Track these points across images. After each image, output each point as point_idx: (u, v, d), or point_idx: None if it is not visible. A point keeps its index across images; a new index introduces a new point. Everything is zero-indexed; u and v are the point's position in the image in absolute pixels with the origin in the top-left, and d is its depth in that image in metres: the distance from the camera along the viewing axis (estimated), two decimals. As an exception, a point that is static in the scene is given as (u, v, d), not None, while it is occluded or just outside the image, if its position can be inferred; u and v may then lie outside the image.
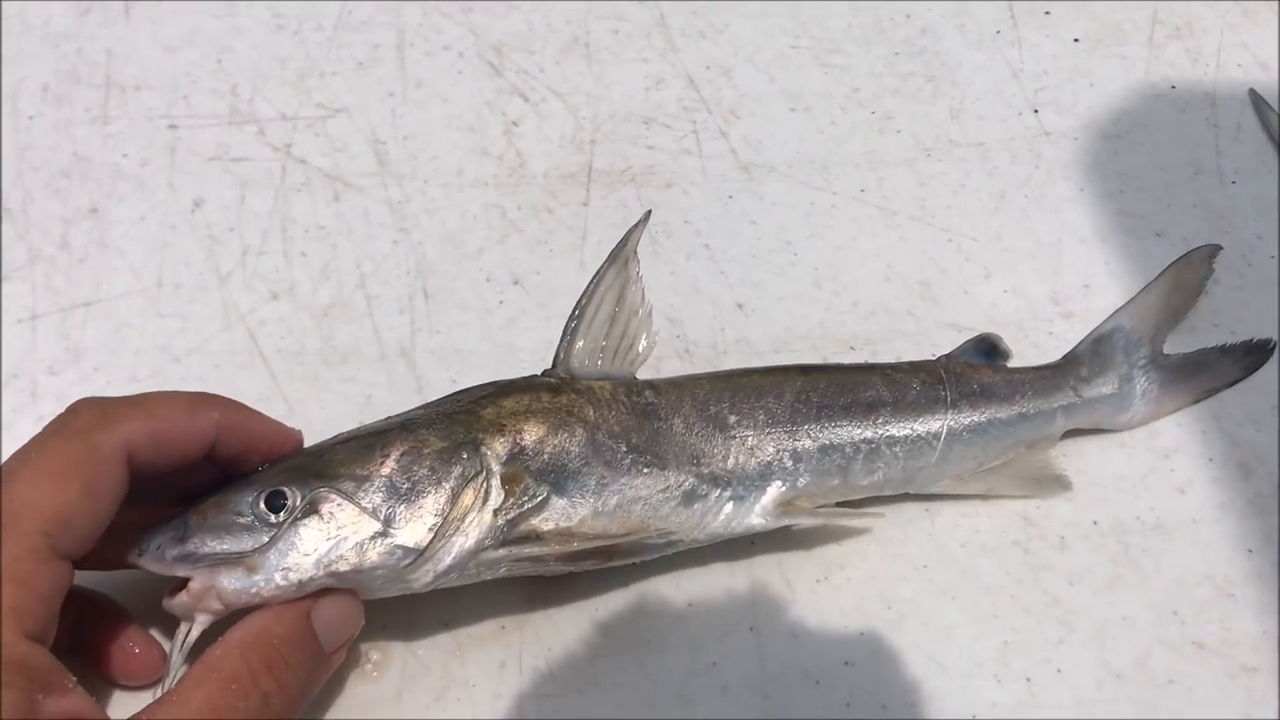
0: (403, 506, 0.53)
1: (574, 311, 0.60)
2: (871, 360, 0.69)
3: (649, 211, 0.63)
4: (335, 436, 0.57)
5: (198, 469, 0.54)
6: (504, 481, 0.54)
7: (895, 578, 0.62)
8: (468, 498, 0.53)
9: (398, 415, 0.58)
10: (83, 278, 0.72)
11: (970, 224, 0.76)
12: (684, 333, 0.71)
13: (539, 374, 0.60)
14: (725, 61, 0.83)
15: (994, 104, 0.82)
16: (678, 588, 0.61)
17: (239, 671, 0.49)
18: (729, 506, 0.59)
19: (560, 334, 0.60)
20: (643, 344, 0.61)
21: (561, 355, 0.60)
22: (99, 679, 0.56)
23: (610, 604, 0.61)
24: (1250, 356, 0.69)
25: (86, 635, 0.55)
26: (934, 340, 0.70)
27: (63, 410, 0.52)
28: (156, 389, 0.57)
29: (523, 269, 0.73)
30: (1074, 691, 0.59)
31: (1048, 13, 0.87)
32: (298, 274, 0.72)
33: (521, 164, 0.78)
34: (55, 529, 0.47)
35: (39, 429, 0.55)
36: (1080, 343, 0.67)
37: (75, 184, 0.76)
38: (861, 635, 0.60)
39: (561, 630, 0.60)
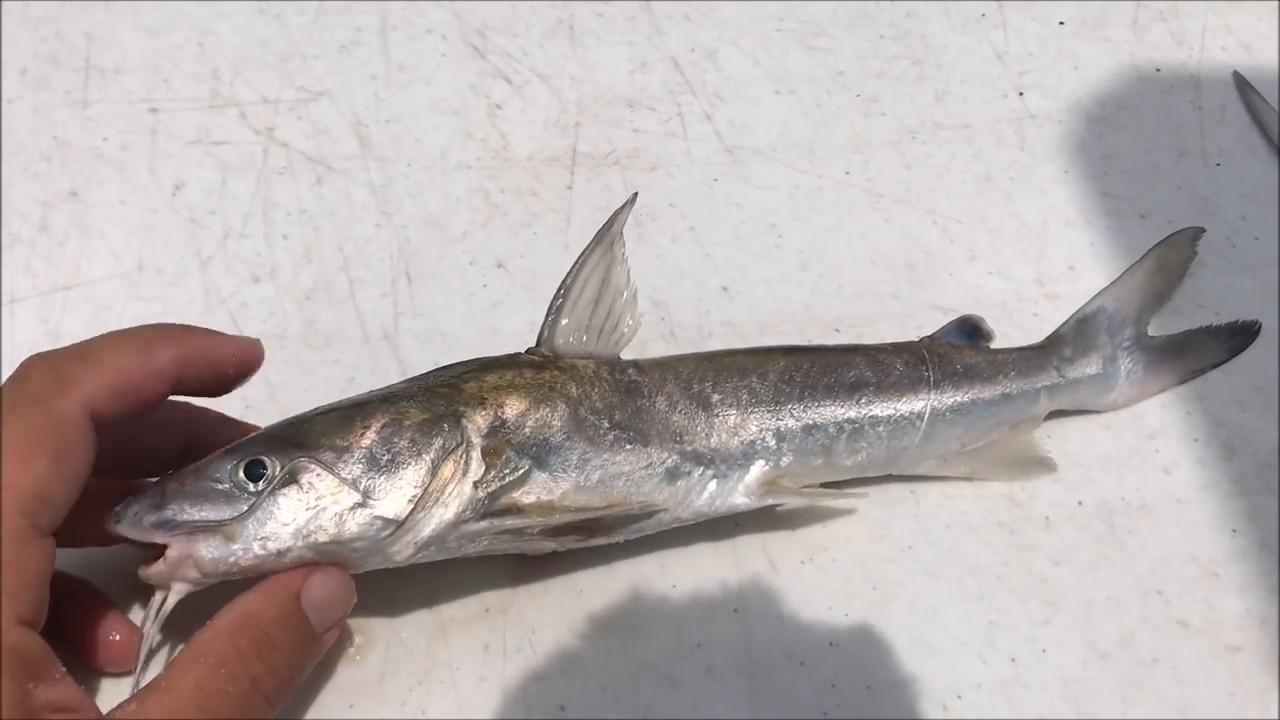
0: (382, 478, 0.52)
1: (559, 291, 0.59)
2: (856, 342, 0.69)
3: (635, 194, 0.62)
4: (316, 408, 0.57)
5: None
6: (485, 454, 0.54)
7: (880, 559, 0.62)
8: (448, 469, 0.53)
9: (379, 389, 0.57)
10: (63, 261, 0.71)
11: (955, 206, 0.76)
12: (669, 315, 0.70)
13: (523, 352, 0.60)
14: (710, 44, 0.83)
15: (979, 87, 0.82)
16: (662, 569, 0.61)
17: (228, 655, 0.48)
18: (712, 485, 0.58)
19: (544, 315, 0.60)
20: (627, 324, 0.61)
21: (545, 334, 0.60)
22: (75, 664, 0.56)
23: (595, 586, 0.60)
24: (1235, 338, 0.69)
25: (64, 620, 0.55)
26: (919, 322, 0.70)
27: (11, 374, 0.49)
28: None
29: (506, 252, 0.73)
30: (1059, 671, 0.59)
31: (1033, -5, 0.87)
32: (280, 257, 0.72)
33: (505, 147, 0.77)
34: (32, 506, 0.46)
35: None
36: (1064, 323, 0.67)
37: (55, 167, 0.75)
38: (846, 616, 0.60)
39: (546, 612, 0.60)
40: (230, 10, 0.83)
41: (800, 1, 0.85)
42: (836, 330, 0.70)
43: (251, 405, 0.65)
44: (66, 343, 0.66)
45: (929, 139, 0.79)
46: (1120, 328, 0.67)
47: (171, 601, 0.51)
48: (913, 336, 0.68)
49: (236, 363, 0.55)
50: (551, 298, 0.60)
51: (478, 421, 0.55)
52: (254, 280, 0.71)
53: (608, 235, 0.60)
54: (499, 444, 0.55)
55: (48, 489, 0.47)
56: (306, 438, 0.53)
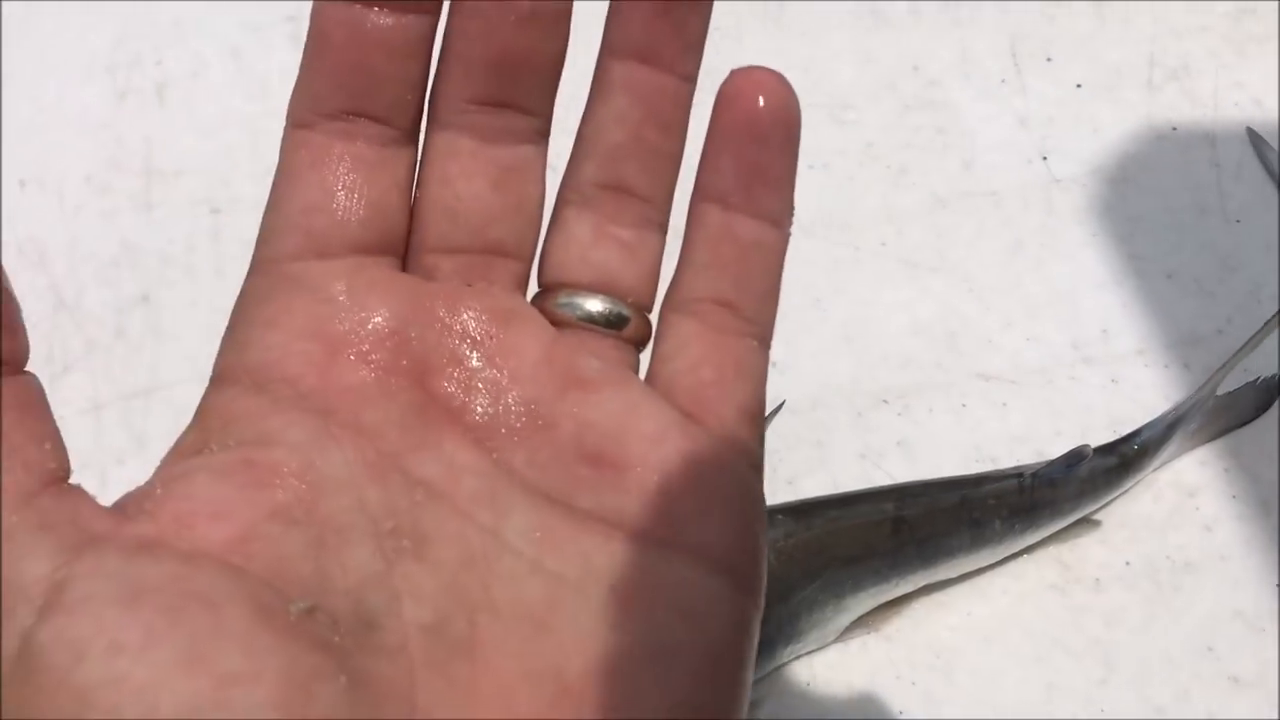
0: None
1: None
2: (904, 409, 0.72)
3: (782, 402, 0.61)
4: None
5: None
6: None
7: (941, 626, 0.65)
8: None
9: None
10: (140, 366, 0.74)
11: (988, 273, 0.79)
12: (722, 393, 0.73)
13: None
14: (743, 122, 0.86)
15: (1004, 153, 0.85)
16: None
17: None
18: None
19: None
20: None
21: None
22: None
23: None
24: (1266, 395, 0.72)
25: None
26: (963, 391, 0.73)
27: None
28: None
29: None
30: (1119, 730, 0.62)
31: (1049, 59, 0.90)
32: (347, 352, 0.75)
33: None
34: None
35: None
36: (1154, 427, 0.67)
37: (125, 272, 0.78)
38: (914, 685, 0.63)
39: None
40: (280, 106, 0.86)
41: (825, 75, 0.89)
42: (885, 401, 0.73)
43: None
44: (153, 446, 0.70)
45: (959, 207, 0.82)
46: (1201, 412, 0.68)
47: None
48: (958, 406, 0.72)
49: None
50: None
51: None
52: (324, 376, 0.74)
53: None
54: None
55: None
56: None
